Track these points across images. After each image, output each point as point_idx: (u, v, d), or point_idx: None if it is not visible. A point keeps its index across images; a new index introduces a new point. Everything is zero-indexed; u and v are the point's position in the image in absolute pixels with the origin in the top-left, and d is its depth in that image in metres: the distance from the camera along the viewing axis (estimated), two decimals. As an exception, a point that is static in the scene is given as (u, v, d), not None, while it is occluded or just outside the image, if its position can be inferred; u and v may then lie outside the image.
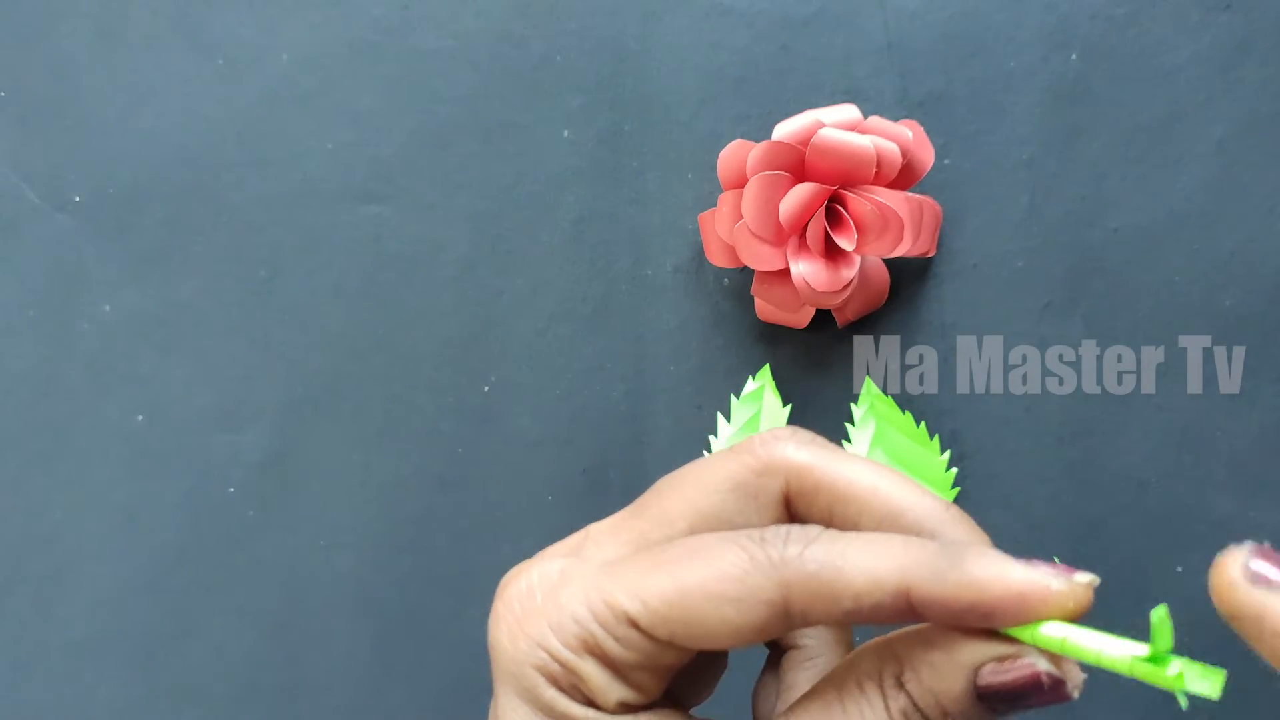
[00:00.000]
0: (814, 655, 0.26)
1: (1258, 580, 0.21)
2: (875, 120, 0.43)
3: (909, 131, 0.43)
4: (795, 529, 0.22)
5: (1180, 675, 0.21)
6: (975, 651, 0.21)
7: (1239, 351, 0.45)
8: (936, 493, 0.44)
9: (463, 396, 0.47)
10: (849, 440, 0.45)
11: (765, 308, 0.45)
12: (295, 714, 0.46)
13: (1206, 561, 0.44)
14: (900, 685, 0.22)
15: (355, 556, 0.47)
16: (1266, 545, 0.21)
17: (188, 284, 0.48)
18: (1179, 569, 0.44)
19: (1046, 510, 0.45)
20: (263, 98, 0.48)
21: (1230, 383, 0.45)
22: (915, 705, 0.22)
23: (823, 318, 0.45)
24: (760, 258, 0.43)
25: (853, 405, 0.45)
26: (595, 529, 0.25)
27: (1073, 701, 0.21)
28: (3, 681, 0.47)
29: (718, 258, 0.44)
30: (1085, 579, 0.21)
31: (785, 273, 0.43)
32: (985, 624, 0.21)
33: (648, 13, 0.47)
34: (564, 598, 0.22)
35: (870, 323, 0.46)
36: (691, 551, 0.22)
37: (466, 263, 0.47)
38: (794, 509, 0.24)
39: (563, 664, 0.22)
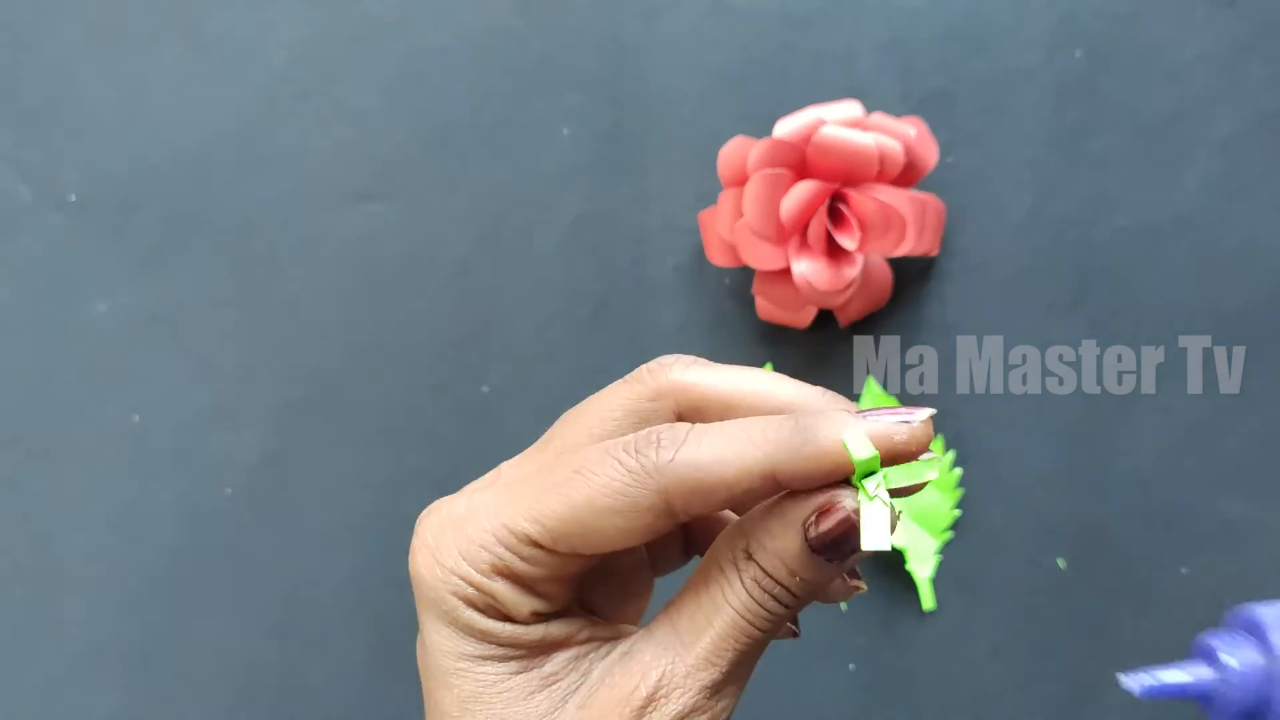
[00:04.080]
0: None
1: None
2: (878, 117, 0.43)
3: (912, 129, 0.43)
4: (665, 432, 0.23)
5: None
6: (800, 508, 0.23)
7: (1239, 351, 0.45)
8: (932, 462, 0.44)
9: (462, 396, 0.46)
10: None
11: (766, 307, 0.45)
12: (295, 714, 0.46)
13: (1211, 562, 0.44)
14: (749, 556, 0.24)
15: (354, 556, 0.46)
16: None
17: (184, 283, 0.47)
18: (1183, 570, 0.44)
19: (1049, 511, 0.45)
20: (261, 97, 0.48)
21: (1230, 383, 0.45)
22: (765, 571, 0.23)
23: (824, 317, 0.45)
24: (761, 257, 0.43)
25: (854, 405, 0.45)
26: (505, 465, 0.27)
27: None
28: (3, 682, 0.47)
29: (718, 257, 0.44)
30: (924, 416, 0.22)
31: (786, 272, 0.43)
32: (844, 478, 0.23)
33: (648, 10, 0.47)
34: (471, 528, 0.24)
35: (871, 322, 0.46)
36: (576, 471, 0.24)
37: (466, 263, 0.47)
38: None
39: (477, 587, 0.24)
